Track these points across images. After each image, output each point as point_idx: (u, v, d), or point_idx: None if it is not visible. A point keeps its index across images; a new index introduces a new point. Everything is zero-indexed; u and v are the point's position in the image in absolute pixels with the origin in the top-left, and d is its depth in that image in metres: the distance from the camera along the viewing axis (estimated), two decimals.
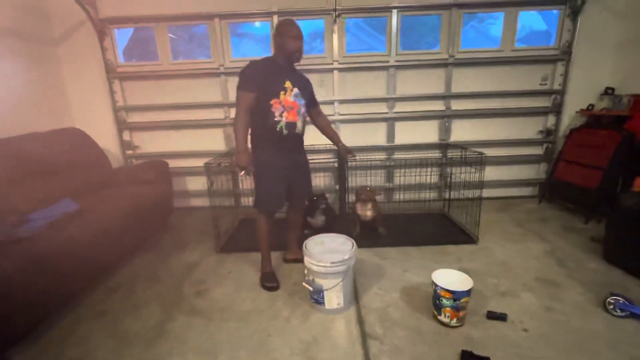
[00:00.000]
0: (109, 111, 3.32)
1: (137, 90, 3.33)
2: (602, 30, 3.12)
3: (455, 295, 1.54)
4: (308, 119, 2.13)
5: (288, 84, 1.88)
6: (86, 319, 1.82)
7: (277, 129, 1.88)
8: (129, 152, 3.47)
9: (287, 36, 1.85)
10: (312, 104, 2.13)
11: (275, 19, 3.11)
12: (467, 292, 1.56)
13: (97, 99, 3.29)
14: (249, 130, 1.90)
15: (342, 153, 2.26)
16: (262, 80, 1.83)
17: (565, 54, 3.18)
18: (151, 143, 3.46)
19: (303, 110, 1.99)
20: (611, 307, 1.68)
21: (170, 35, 3.31)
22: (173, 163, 3.33)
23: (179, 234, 2.93)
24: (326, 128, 2.24)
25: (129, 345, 1.60)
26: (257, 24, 3.42)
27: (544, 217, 3.03)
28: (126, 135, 3.44)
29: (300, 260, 2.17)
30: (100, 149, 2.98)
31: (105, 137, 3.31)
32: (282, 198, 2.06)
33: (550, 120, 3.40)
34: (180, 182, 3.52)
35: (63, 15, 3.07)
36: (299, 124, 1.97)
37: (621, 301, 1.66)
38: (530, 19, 4.37)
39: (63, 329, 1.73)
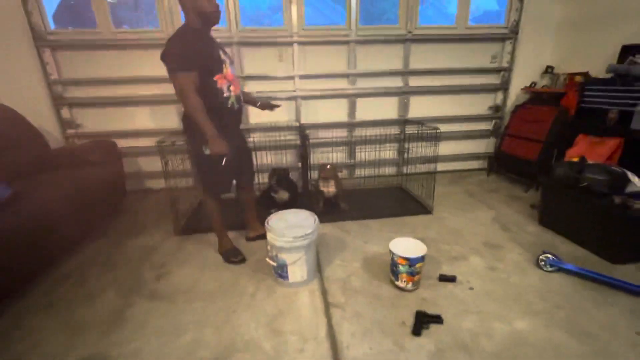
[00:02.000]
0: (42, 85, 2.95)
1: (75, 62, 2.98)
2: (546, 10, 3.32)
3: (411, 262, 1.65)
4: None
5: (223, 56, 1.77)
6: (32, 311, 1.69)
7: (229, 105, 1.80)
8: (71, 131, 3.15)
9: (200, 5, 1.65)
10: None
11: None
12: (422, 258, 1.67)
13: (25, 70, 2.89)
14: (184, 113, 1.77)
15: (265, 107, 2.14)
16: (199, 56, 1.64)
17: (513, 33, 3.36)
18: (96, 121, 3.16)
19: (238, 80, 1.92)
20: (542, 263, 1.90)
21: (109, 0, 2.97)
22: (124, 143, 3.10)
23: (133, 218, 2.78)
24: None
25: (82, 335, 1.53)
26: None
27: (492, 188, 3.29)
28: (65, 113, 3.10)
29: (263, 236, 2.19)
30: (34, 128, 2.67)
31: (40, 114, 2.96)
32: (230, 180, 2.03)
33: (499, 97, 3.62)
34: (133, 163, 3.30)
35: None
36: (241, 95, 1.92)
37: (551, 258, 1.88)
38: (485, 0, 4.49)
39: (5, 324, 1.60)
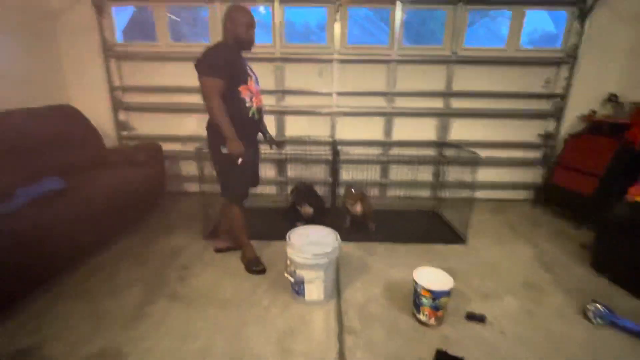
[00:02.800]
0: (105, 90, 3.28)
1: (135, 71, 3.28)
2: (610, 34, 3.04)
3: (435, 295, 1.53)
4: None
5: (249, 71, 1.92)
6: (66, 297, 1.82)
7: (250, 115, 1.90)
8: (124, 132, 3.44)
9: (240, 24, 1.82)
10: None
11: (277, 4, 3.04)
12: (447, 293, 1.55)
13: (93, 77, 3.25)
14: (209, 119, 1.87)
15: (272, 143, 2.29)
16: (228, 67, 1.77)
17: (570, 57, 3.11)
18: (147, 125, 3.42)
19: (261, 96, 2.02)
20: (591, 314, 1.67)
21: (172, 17, 3.26)
22: (168, 146, 3.31)
23: (168, 218, 2.92)
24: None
25: (106, 326, 1.61)
26: (262, 9, 3.34)
27: (537, 221, 3.01)
28: (122, 116, 3.40)
29: (232, 248, 2.28)
30: (94, 128, 2.96)
31: (101, 116, 3.28)
32: (249, 186, 2.11)
33: (551, 124, 3.35)
34: (175, 166, 3.50)
35: None
36: (263, 109, 2.03)
37: (601, 309, 1.64)
38: (541, 21, 4.27)
39: (42, 307, 1.73)
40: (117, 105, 3.34)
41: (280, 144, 2.34)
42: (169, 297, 1.84)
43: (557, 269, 2.20)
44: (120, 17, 3.28)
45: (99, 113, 3.25)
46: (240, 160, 1.86)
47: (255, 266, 2.09)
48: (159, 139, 3.30)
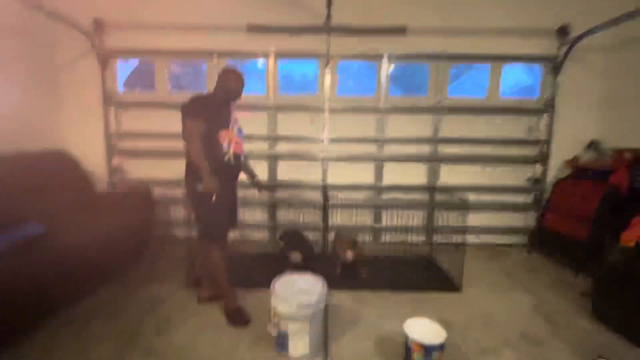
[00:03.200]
0: (101, 137, 3.35)
1: (132, 118, 3.39)
2: (583, 86, 3.25)
3: (427, 350, 1.43)
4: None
5: (232, 121, 2.03)
6: (32, 354, 1.67)
7: (226, 160, 1.96)
8: (116, 177, 3.45)
9: (230, 78, 2.02)
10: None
11: (272, 59, 3.26)
12: (440, 347, 1.45)
13: (91, 124, 3.34)
14: (187, 161, 1.97)
15: (258, 186, 2.34)
16: (209, 112, 1.91)
17: (548, 107, 3.28)
18: (139, 169, 3.45)
19: (243, 144, 2.10)
20: None
21: (174, 69, 3.46)
22: (160, 191, 3.30)
23: (154, 265, 2.81)
24: (247, 162, 2.30)
25: None
26: (260, 64, 3.56)
27: (533, 268, 2.93)
28: (116, 161, 3.44)
29: (216, 297, 2.18)
30: (85, 173, 2.97)
31: (95, 161, 3.32)
32: (226, 226, 2.10)
33: (538, 169, 3.43)
34: (165, 211, 3.46)
35: (68, 44, 3.22)
36: (242, 155, 2.09)
37: None
38: (520, 74, 4.57)
39: None
40: (111, 151, 3.39)
41: (267, 187, 2.38)
42: (143, 353, 1.70)
43: (557, 319, 2.10)
44: (123, 68, 3.47)
45: (93, 158, 3.30)
46: (214, 197, 1.88)
47: (238, 318, 1.97)
48: (151, 183, 3.30)
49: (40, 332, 1.86)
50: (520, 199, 3.47)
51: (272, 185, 2.38)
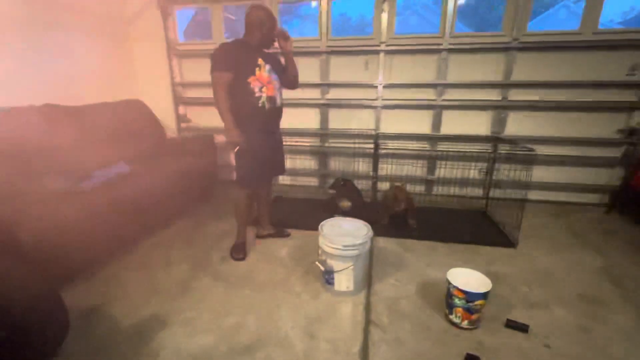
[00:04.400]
0: (168, 86, 3.63)
1: (194, 68, 3.57)
2: None
3: (469, 297, 1.44)
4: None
5: (260, 61, 1.93)
6: (128, 268, 2.08)
7: (260, 105, 1.93)
8: (183, 124, 3.77)
9: (259, 27, 1.91)
10: (283, 72, 2.12)
11: None
12: (483, 295, 1.45)
13: (159, 74, 3.61)
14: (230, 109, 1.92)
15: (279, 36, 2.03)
16: (235, 60, 1.86)
17: None
18: (203, 118, 3.71)
19: (278, 84, 2.03)
20: None
21: (230, 16, 3.46)
22: (222, 138, 3.54)
23: (218, 205, 3.15)
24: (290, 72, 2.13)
25: (158, 295, 1.81)
26: (313, 4, 3.38)
27: (609, 230, 2.64)
28: (182, 109, 3.73)
29: (273, 235, 2.38)
30: (157, 120, 3.29)
31: (164, 109, 3.64)
32: (263, 176, 2.15)
33: (635, 118, 2.88)
34: (227, 156, 3.75)
35: None
36: (278, 98, 2.02)
37: None
38: None
39: (109, 274, 2.01)
40: (178, 100, 3.67)
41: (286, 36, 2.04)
42: (212, 276, 2.00)
43: (628, 283, 1.92)
44: (182, 18, 3.58)
45: (163, 106, 3.62)
46: (237, 148, 1.93)
47: (235, 253, 2.18)
48: (213, 131, 3.56)
49: (134, 250, 2.28)
50: (605, 153, 3.01)
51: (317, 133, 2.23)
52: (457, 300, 1.49)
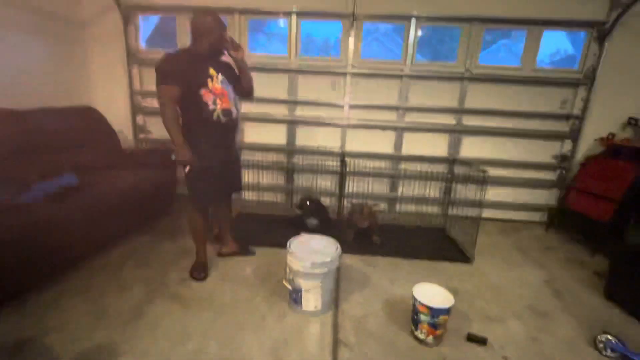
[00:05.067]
0: (126, 95, 3.42)
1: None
2: (631, 57, 2.98)
3: (433, 312, 1.49)
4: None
5: (212, 72, 1.82)
6: (71, 292, 1.86)
7: (214, 118, 1.82)
8: (142, 135, 3.56)
9: (203, 34, 1.78)
10: (237, 82, 2.00)
11: (294, 18, 3.13)
12: (447, 310, 1.51)
13: (116, 82, 3.39)
14: (182, 127, 1.83)
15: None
16: (183, 72, 1.74)
17: (588, 79, 3.05)
18: (162, 129, 3.52)
19: (232, 95, 1.92)
20: (601, 345, 1.58)
21: None
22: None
23: (177, 220, 2.97)
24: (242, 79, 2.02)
25: (105, 322, 1.63)
26: (282, 23, 3.44)
27: (548, 245, 2.91)
28: (140, 119, 3.53)
29: (236, 253, 2.30)
30: (112, 129, 3.07)
31: (120, 119, 3.40)
32: (218, 194, 2.06)
33: (567, 145, 3.27)
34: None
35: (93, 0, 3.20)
36: (233, 109, 1.91)
37: (613, 341, 1.56)
38: (562, 42, 4.23)
39: (47, 299, 1.78)
40: (136, 109, 3.47)
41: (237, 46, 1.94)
42: (169, 298, 1.86)
43: (567, 296, 2.11)
44: (145, 24, 3.44)
45: (119, 115, 3.39)
46: (187, 168, 1.83)
47: (196, 272, 2.06)
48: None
49: (79, 272, 2.05)
50: (543, 175, 3.36)
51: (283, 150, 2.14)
52: (422, 316, 1.53)
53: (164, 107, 1.74)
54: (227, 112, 1.87)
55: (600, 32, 2.94)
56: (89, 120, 2.90)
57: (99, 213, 2.13)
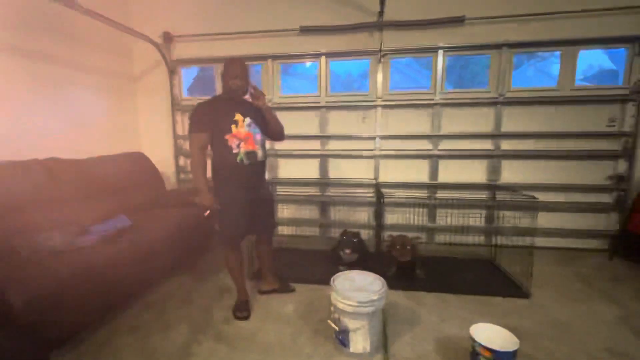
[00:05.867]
0: (170, 139, 3.69)
1: None
2: None
3: (498, 356, 1.35)
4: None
5: (238, 117, 1.92)
6: (121, 332, 1.91)
7: (238, 161, 1.91)
8: (182, 175, 3.77)
9: (228, 76, 1.93)
10: (266, 126, 2.07)
11: (324, 59, 3.31)
12: (512, 354, 1.37)
13: (161, 128, 3.70)
14: (211, 169, 1.98)
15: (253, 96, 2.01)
16: (210, 119, 1.89)
17: (635, 94, 2.89)
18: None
19: (259, 137, 2.00)
20: None
21: None
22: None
23: (216, 258, 3.02)
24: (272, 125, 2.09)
25: None
26: (308, 64, 3.65)
27: (616, 276, 2.61)
28: (181, 161, 3.76)
29: (276, 290, 2.28)
30: (158, 172, 3.29)
31: (165, 161, 3.66)
32: (244, 230, 2.07)
33: (622, 165, 3.03)
34: None
35: (143, 56, 3.59)
36: (259, 152, 1.99)
37: None
38: (597, 57, 4.09)
39: (100, 339, 1.84)
40: (178, 152, 3.71)
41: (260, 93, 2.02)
42: (214, 338, 1.85)
43: None
44: (186, 75, 3.78)
45: (164, 158, 3.65)
46: (207, 212, 1.93)
47: (239, 312, 2.04)
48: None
49: (129, 310, 2.11)
50: (599, 198, 3.10)
51: (316, 183, 2.22)
52: None
53: (192, 153, 1.92)
54: (251, 155, 1.95)
55: None
56: (138, 165, 3.13)
57: (148, 252, 2.22)
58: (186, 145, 3.73)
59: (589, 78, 3.71)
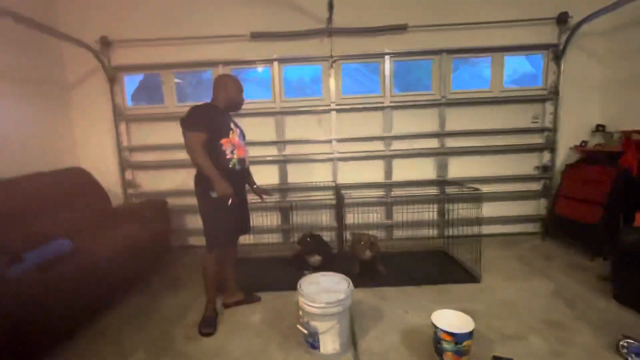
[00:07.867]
0: (114, 151, 3.42)
1: (142, 132, 3.45)
2: (586, 72, 3.27)
3: (457, 338, 1.46)
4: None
5: (232, 126, 2.03)
6: None
7: (230, 166, 1.96)
8: (130, 190, 3.51)
9: (237, 90, 2.06)
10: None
11: (276, 65, 3.31)
12: (469, 335, 1.48)
13: (103, 139, 3.41)
14: (197, 171, 1.96)
15: (258, 193, 2.31)
16: (210, 122, 1.91)
17: (552, 94, 3.31)
18: (152, 182, 3.51)
19: (246, 149, 2.12)
20: (624, 350, 1.57)
21: (177, 80, 3.51)
22: (174, 201, 3.35)
23: (174, 274, 2.86)
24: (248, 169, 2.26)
25: None
26: (260, 69, 3.62)
27: (548, 254, 2.96)
28: (128, 175, 3.50)
29: (241, 302, 2.25)
30: (101, 188, 3.02)
31: (109, 175, 3.38)
32: (233, 235, 2.14)
33: (546, 156, 3.45)
34: (180, 221, 3.51)
35: (77, 63, 3.28)
36: (246, 161, 2.11)
37: (635, 345, 1.56)
38: (519, 63, 4.59)
39: None
40: (125, 165, 3.45)
41: (267, 193, 2.34)
42: (176, 359, 1.74)
43: (579, 303, 2.12)
44: (129, 83, 3.53)
45: (107, 173, 3.37)
46: (230, 200, 1.89)
47: (205, 327, 1.98)
48: (163, 195, 3.36)
49: (77, 341, 1.91)
50: (530, 187, 3.49)
51: (268, 190, 2.36)
52: (445, 345, 1.49)
53: (196, 150, 1.85)
54: (242, 162, 2.04)
55: (555, 52, 3.24)
56: (78, 181, 2.85)
57: (95, 276, 2.03)
58: (134, 157, 3.48)
59: (516, 80, 4.16)
